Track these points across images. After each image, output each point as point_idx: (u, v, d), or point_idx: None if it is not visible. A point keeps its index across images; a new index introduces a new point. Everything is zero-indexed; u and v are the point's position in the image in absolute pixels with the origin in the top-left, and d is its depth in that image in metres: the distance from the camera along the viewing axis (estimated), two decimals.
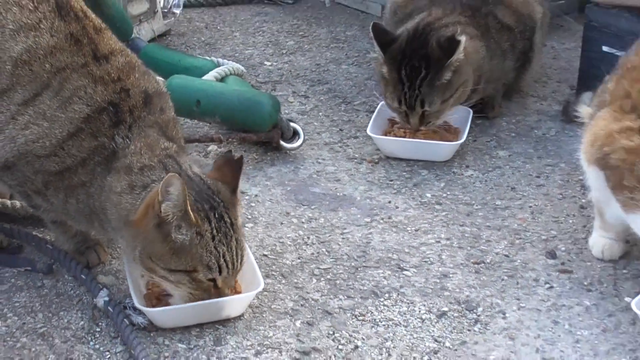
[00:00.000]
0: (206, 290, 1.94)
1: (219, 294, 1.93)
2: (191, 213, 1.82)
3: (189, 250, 1.87)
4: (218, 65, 2.95)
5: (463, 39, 2.50)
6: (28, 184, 2.00)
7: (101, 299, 2.04)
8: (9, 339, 1.97)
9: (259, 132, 2.61)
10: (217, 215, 1.90)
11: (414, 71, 2.53)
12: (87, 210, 1.98)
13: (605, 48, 2.82)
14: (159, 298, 2.04)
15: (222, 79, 2.81)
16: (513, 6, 2.77)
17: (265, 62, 3.29)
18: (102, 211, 1.93)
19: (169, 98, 2.09)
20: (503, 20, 2.75)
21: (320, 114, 2.95)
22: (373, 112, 2.84)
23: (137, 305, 1.97)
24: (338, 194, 2.56)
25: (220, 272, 1.90)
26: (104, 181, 1.92)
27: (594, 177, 2.14)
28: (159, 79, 2.63)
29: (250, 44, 3.44)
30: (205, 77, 2.78)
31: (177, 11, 3.60)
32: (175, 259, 1.87)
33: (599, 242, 2.26)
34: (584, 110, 2.29)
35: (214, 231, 1.89)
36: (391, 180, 2.63)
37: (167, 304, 2.01)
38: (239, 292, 2.04)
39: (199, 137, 2.60)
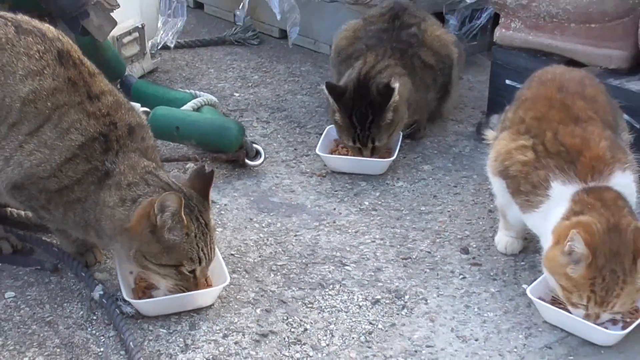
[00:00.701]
0: (188, 280, 1.98)
1: (196, 284, 1.99)
2: (184, 218, 1.88)
3: (178, 248, 1.92)
4: (195, 97, 2.93)
5: (397, 85, 2.52)
6: (34, 200, 2.03)
7: (97, 292, 2.07)
8: (22, 326, 2.00)
9: (228, 152, 2.64)
10: (196, 218, 1.95)
11: (362, 116, 2.57)
12: (82, 222, 2.01)
13: (507, 81, 2.87)
14: (144, 292, 2.08)
15: (198, 109, 2.81)
16: (434, 48, 2.79)
17: (235, 94, 3.27)
18: (97, 222, 1.98)
19: (149, 129, 2.12)
20: (426, 60, 2.77)
21: (279, 136, 2.95)
22: (322, 134, 2.82)
23: (126, 297, 1.99)
24: (292, 202, 2.55)
25: (200, 263, 1.96)
26: (98, 197, 1.96)
27: (497, 186, 2.19)
28: (144, 109, 2.68)
29: (222, 79, 3.41)
30: (183, 108, 2.78)
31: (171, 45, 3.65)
32: (165, 256, 1.92)
33: (503, 239, 2.30)
34: (489, 133, 2.39)
35: (196, 230, 1.94)
36: (336, 191, 2.62)
37: (151, 297, 2.05)
38: (210, 286, 2.05)
39: (178, 157, 2.64)
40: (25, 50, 2.00)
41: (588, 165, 1.97)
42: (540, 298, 2.02)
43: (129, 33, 3.22)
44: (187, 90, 3.09)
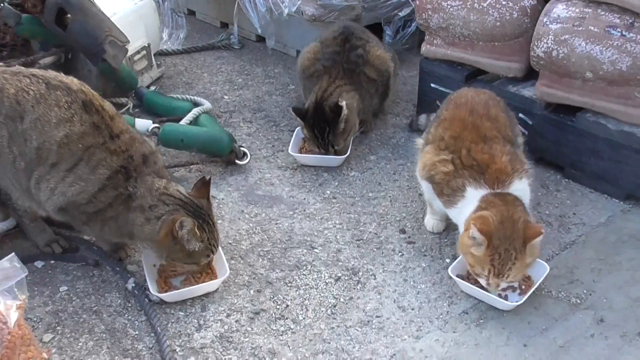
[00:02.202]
0: (204, 268, 2.02)
1: (210, 268, 2.04)
2: (198, 232, 1.88)
3: (196, 252, 1.93)
4: (194, 104, 2.87)
5: (344, 103, 2.48)
6: (76, 219, 2.01)
7: (130, 284, 2.04)
8: (75, 316, 1.96)
9: (222, 156, 2.60)
10: (205, 222, 1.94)
11: (321, 129, 2.53)
12: (117, 233, 2.00)
13: (432, 85, 2.83)
14: (166, 282, 2.05)
15: (196, 118, 2.74)
16: (375, 66, 2.73)
17: (224, 96, 3.16)
18: (129, 234, 1.97)
19: (159, 152, 2.08)
20: (370, 75, 2.71)
21: (260, 134, 2.85)
22: (293, 131, 2.75)
23: (152, 292, 1.97)
24: (272, 194, 2.49)
25: (212, 254, 1.99)
26: (127, 217, 1.94)
27: (425, 187, 2.17)
28: (155, 125, 2.62)
29: (214, 82, 3.29)
30: (185, 119, 2.70)
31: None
32: (188, 257, 1.94)
33: (430, 221, 2.29)
34: (418, 141, 2.32)
35: (207, 233, 1.94)
36: (305, 182, 2.55)
37: (171, 285, 2.04)
38: (215, 276, 2.05)
39: (185, 162, 2.59)
40: (56, 102, 1.94)
41: (494, 176, 1.97)
42: (459, 275, 2.04)
43: (138, 52, 3.12)
44: (187, 97, 3.00)
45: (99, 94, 2.04)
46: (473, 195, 1.98)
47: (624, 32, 2.22)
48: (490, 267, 1.87)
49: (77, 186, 1.92)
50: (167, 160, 2.62)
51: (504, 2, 2.55)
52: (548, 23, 2.37)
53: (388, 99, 2.93)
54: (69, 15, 2.59)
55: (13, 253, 1.68)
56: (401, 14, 3.27)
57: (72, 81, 2.01)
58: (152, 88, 3.20)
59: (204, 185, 1.99)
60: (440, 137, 2.12)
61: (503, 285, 1.94)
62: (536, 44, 2.41)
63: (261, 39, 3.68)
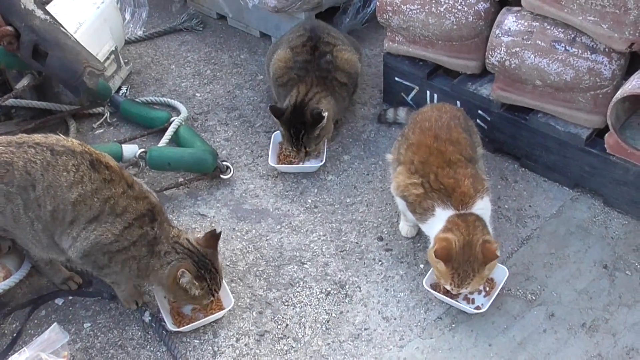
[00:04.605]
0: (207, 305, 2.27)
1: (214, 304, 2.30)
2: (196, 282, 2.14)
3: (199, 296, 2.18)
4: (170, 108, 3.08)
5: (326, 114, 2.70)
6: (98, 261, 2.15)
7: (146, 317, 2.29)
8: (103, 351, 2.19)
9: (208, 173, 2.81)
10: (208, 270, 2.16)
11: (297, 131, 2.74)
12: (135, 275, 2.19)
13: (396, 78, 3.07)
14: (179, 313, 2.31)
15: (176, 132, 2.93)
16: (345, 70, 2.91)
17: (196, 94, 3.24)
18: (147, 276, 2.20)
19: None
20: (341, 80, 2.90)
21: (238, 139, 2.97)
22: (269, 131, 2.94)
23: (170, 327, 2.21)
24: (259, 208, 2.65)
25: (212, 297, 2.24)
26: (149, 262, 2.15)
27: (399, 202, 2.43)
28: (141, 150, 2.79)
29: (183, 76, 3.35)
30: (166, 136, 2.88)
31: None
32: (192, 300, 2.20)
33: (405, 227, 2.55)
34: (388, 156, 2.58)
35: (209, 281, 2.16)
36: (287, 192, 2.72)
37: (182, 313, 2.31)
38: (221, 303, 2.31)
39: (175, 184, 2.78)
40: (64, 167, 2.11)
41: (459, 199, 2.28)
42: (432, 284, 2.37)
43: (107, 58, 3.25)
44: (162, 100, 3.15)
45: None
46: (441, 215, 2.30)
47: (567, 47, 2.53)
48: (452, 281, 2.24)
49: (101, 229, 2.09)
50: (156, 178, 2.85)
51: (459, 7, 2.80)
52: (500, 35, 2.65)
53: (356, 94, 3.15)
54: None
55: (55, 323, 2.02)
56: None
57: (74, 143, 2.19)
58: (124, 89, 3.35)
59: (212, 237, 2.22)
60: (411, 161, 2.41)
61: (465, 292, 2.31)
62: (491, 53, 2.70)
63: (222, 17, 3.79)
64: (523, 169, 2.87)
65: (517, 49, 2.61)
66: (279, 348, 2.24)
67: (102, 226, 2.10)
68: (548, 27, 2.56)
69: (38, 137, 2.21)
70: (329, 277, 2.43)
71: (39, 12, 2.74)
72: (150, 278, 2.24)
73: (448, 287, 2.28)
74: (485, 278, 2.28)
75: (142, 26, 3.78)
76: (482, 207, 2.33)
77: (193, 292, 2.18)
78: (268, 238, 2.59)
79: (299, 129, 2.77)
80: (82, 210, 2.11)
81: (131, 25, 3.77)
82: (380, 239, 2.56)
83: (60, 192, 2.11)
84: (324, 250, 2.53)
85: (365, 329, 2.27)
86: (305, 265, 2.48)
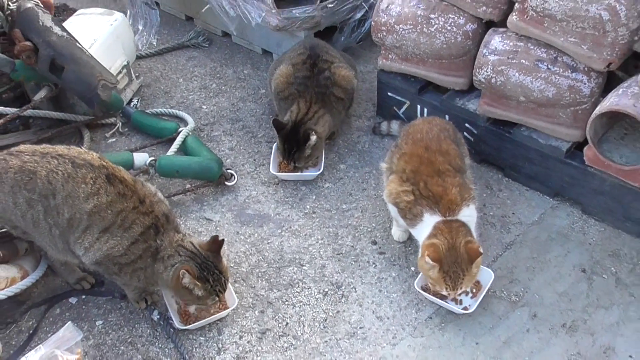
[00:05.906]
0: (213, 306, 2.28)
1: (219, 304, 2.31)
2: (199, 283, 2.15)
3: (202, 297, 2.17)
4: (178, 119, 3.11)
5: (314, 137, 2.72)
6: (109, 269, 2.21)
7: (155, 316, 2.30)
8: (114, 348, 2.21)
9: (213, 181, 2.84)
10: (210, 272, 2.16)
11: (291, 147, 2.78)
12: (143, 281, 2.23)
13: (389, 93, 3.12)
14: (186, 312, 2.31)
15: (183, 142, 2.97)
16: (342, 86, 2.95)
17: (203, 106, 3.25)
18: (154, 281, 2.23)
19: (172, 211, 2.29)
20: (338, 95, 2.94)
21: (242, 148, 2.99)
22: (271, 141, 2.97)
23: (178, 325, 2.22)
24: (261, 213, 2.67)
25: (217, 298, 2.23)
26: (154, 267, 2.18)
27: (391, 208, 2.45)
28: (151, 158, 2.83)
29: (190, 90, 3.38)
30: (174, 145, 2.92)
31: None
32: (196, 300, 2.18)
33: (397, 232, 2.58)
34: (382, 165, 2.60)
35: (212, 282, 2.15)
36: (287, 198, 2.74)
37: (190, 314, 2.30)
38: (225, 303, 2.31)
39: (182, 190, 2.82)
40: (83, 179, 2.14)
41: (446, 206, 2.31)
42: (423, 286, 2.39)
43: (120, 72, 3.30)
44: (171, 111, 3.18)
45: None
46: (429, 221, 2.33)
47: (549, 66, 2.58)
48: (445, 285, 2.27)
49: (112, 242, 2.14)
50: (165, 185, 2.89)
51: (449, 28, 2.85)
52: (487, 54, 2.70)
53: (351, 107, 3.19)
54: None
55: (69, 322, 2.04)
56: (356, 16, 3.50)
57: (93, 157, 2.22)
58: (135, 101, 3.40)
59: (215, 243, 2.25)
60: (403, 170, 2.44)
61: (458, 293, 2.36)
62: (478, 71, 2.75)
63: (227, 35, 3.85)
64: (507, 178, 2.91)
65: (503, 67, 2.66)
66: (279, 345, 2.25)
67: (114, 239, 2.12)
68: (532, 47, 2.61)
69: (61, 149, 2.25)
70: (326, 279, 2.45)
71: (56, 29, 2.78)
72: (158, 282, 2.26)
73: (444, 293, 2.28)
74: (475, 276, 2.30)
75: (155, 37, 3.75)
76: (468, 214, 2.37)
77: (196, 292, 2.20)
78: (269, 241, 2.61)
79: (292, 145, 2.81)
80: (96, 220, 2.14)
81: (145, 34, 3.77)
82: (374, 242, 2.59)
83: (78, 202, 2.15)
84: (321, 253, 2.55)
85: (360, 328, 2.29)
86: (304, 267, 2.50)
